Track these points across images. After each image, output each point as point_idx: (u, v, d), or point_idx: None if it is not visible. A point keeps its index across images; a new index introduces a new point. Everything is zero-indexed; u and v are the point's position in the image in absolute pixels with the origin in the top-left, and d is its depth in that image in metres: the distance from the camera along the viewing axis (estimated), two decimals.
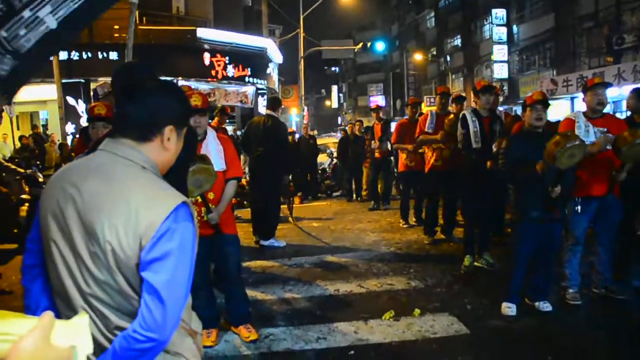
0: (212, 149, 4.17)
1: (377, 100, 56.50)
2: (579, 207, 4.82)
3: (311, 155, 14.24)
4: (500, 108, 15.14)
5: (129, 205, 1.53)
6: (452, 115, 7.07)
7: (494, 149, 5.83)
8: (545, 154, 4.29)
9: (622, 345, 4.14)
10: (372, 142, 10.92)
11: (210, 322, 4.25)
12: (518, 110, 20.61)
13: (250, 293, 5.35)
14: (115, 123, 1.71)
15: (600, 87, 4.92)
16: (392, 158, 11.39)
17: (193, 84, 17.22)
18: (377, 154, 10.95)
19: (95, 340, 1.59)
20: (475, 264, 6.23)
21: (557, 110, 20.70)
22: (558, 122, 5.95)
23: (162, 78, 2.00)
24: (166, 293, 1.51)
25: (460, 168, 6.36)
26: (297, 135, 15.27)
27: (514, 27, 31.10)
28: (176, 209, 1.56)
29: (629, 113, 6.17)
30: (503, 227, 7.30)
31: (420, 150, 8.09)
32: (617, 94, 18.91)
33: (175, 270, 1.53)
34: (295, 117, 33.78)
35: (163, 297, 1.50)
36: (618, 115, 18.13)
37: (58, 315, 1.67)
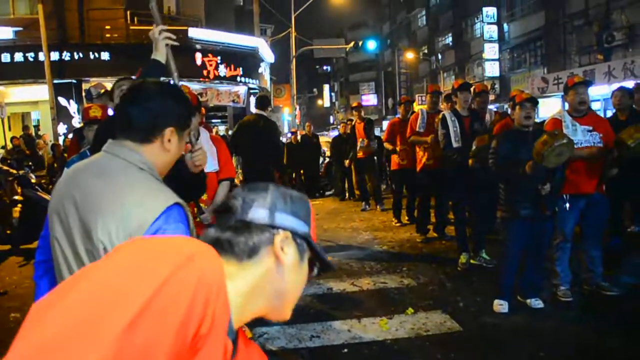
0: (205, 150, 4.17)
1: (369, 99, 56.64)
2: (567, 205, 4.86)
3: (314, 154, 14.35)
4: (492, 106, 15.19)
5: (122, 205, 1.56)
6: (441, 114, 7.12)
7: (473, 146, 5.86)
8: (534, 152, 4.33)
9: (613, 341, 4.18)
10: (361, 140, 10.35)
11: None
12: (504, 107, 20.70)
13: None
14: (117, 125, 1.73)
15: (581, 86, 4.95)
16: (375, 158, 11.13)
17: (185, 84, 17.21)
18: (359, 154, 10.54)
19: None
20: (472, 261, 6.27)
21: (548, 109, 20.84)
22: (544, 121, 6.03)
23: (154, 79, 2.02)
24: None
25: (445, 167, 6.41)
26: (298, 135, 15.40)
27: (505, 25, 31.25)
28: (168, 210, 1.57)
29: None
30: (494, 225, 7.34)
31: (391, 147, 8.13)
32: (608, 91, 19.01)
33: None
34: (287, 116, 33.79)
35: None
36: (609, 113, 18.27)
37: None
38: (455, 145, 6.01)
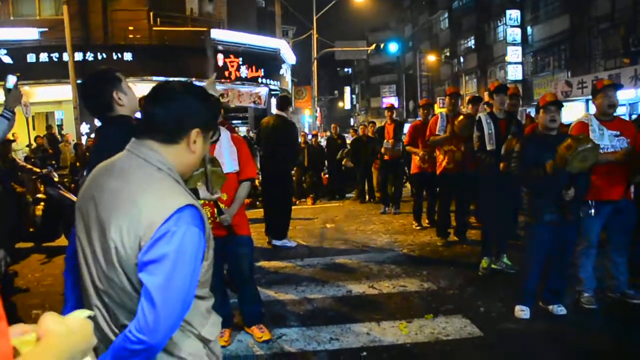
0: (226, 150, 4.18)
1: (390, 101, 56.50)
2: (593, 211, 4.77)
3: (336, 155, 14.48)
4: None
5: (135, 205, 1.55)
6: (461, 117, 7.05)
7: (502, 150, 5.79)
8: (557, 157, 4.25)
9: (637, 350, 4.10)
10: (385, 141, 10.35)
11: (223, 322, 4.23)
12: (532, 111, 20.45)
13: (263, 293, 5.36)
14: (142, 125, 1.73)
15: (611, 89, 4.86)
16: (402, 160, 11.05)
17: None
18: (386, 156, 10.53)
19: (106, 336, 1.63)
20: (493, 266, 6.19)
21: (572, 113, 20.57)
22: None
23: (176, 79, 2.02)
24: (159, 297, 1.49)
25: (476, 170, 6.34)
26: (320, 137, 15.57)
27: (529, 28, 30.94)
28: (179, 211, 1.55)
29: None
30: (516, 230, 7.25)
31: (422, 152, 8.09)
32: (634, 95, 18.73)
33: (170, 274, 1.51)
34: (308, 118, 33.86)
35: (155, 300, 1.49)
36: (635, 117, 17.94)
37: None
38: (489, 147, 5.93)
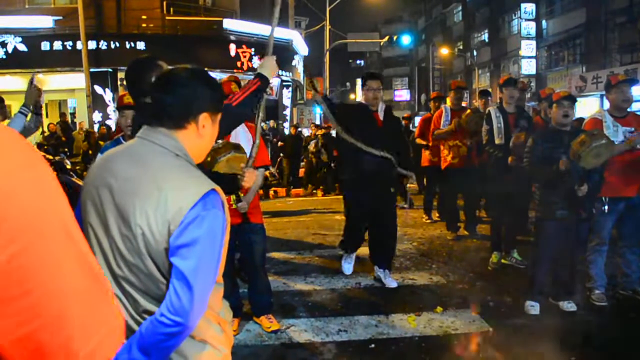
0: (242, 138, 4.17)
1: (402, 94, 56.31)
2: (606, 207, 4.74)
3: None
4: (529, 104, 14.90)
5: (160, 190, 1.57)
6: (469, 111, 7.02)
7: (511, 143, 5.76)
8: (571, 153, 4.22)
9: None
10: None
11: (233, 312, 4.27)
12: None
13: (273, 284, 5.37)
14: (151, 112, 1.74)
15: (625, 85, 4.80)
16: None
17: (218, 74, 17.33)
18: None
19: (125, 323, 1.62)
20: (503, 261, 6.18)
21: (586, 108, 20.36)
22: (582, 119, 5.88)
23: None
24: (194, 279, 1.53)
25: (482, 164, 6.32)
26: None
27: (543, 22, 30.60)
28: (205, 196, 1.58)
29: None
30: (527, 224, 7.22)
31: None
32: None
33: (202, 256, 1.56)
34: (319, 109, 33.77)
35: (191, 282, 1.53)
36: None
37: None
38: (497, 141, 5.90)
